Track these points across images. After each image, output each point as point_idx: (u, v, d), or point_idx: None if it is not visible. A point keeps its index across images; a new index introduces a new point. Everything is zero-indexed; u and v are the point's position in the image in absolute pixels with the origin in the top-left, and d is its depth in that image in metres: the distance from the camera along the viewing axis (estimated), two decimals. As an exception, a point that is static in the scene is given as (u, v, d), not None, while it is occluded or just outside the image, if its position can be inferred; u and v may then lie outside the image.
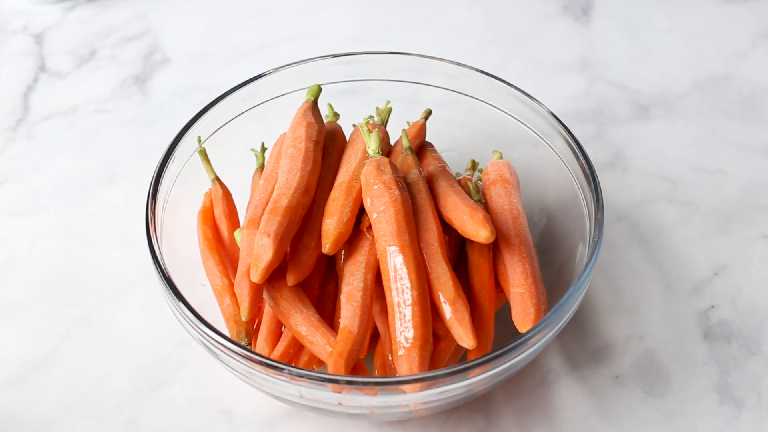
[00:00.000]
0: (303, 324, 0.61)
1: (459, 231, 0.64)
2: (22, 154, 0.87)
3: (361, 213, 0.66)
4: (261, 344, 0.64)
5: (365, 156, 0.68)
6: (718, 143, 0.87)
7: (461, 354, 0.63)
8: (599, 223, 0.64)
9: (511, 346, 0.57)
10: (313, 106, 0.70)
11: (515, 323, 0.62)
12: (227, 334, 0.64)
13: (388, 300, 0.61)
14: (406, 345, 0.58)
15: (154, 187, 0.66)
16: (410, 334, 0.58)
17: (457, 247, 0.67)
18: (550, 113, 0.70)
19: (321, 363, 0.62)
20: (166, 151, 0.68)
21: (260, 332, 0.64)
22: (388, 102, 0.74)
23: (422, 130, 0.74)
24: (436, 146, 0.74)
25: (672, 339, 0.71)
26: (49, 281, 0.75)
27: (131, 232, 0.76)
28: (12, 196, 0.83)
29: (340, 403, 0.58)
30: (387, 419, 0.65)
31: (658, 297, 0.74)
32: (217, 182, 0.71)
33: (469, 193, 0.70)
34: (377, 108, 0.74)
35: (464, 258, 0.67)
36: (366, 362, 0.63)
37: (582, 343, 0.71)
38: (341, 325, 0.60)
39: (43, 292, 0.74)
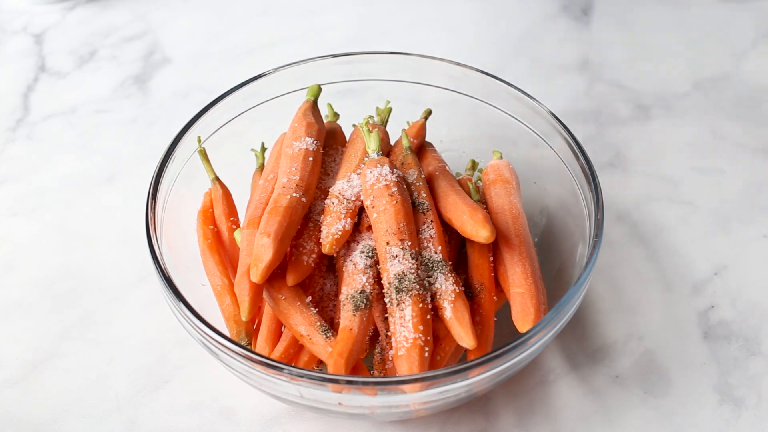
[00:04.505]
0: (303, 324, 0.61)
1: (459, 231, 0.64)
2: (22, 154, 0.87)
3: (360, 213, 0.66)
4: (261, 344, 0.64)
5: (365, 156, 0.68)
6: (718, 143, 0.87)
7: (461, 354, 0.63)
8: (599, 223, 0.64)
9: (511, 346, 0.57)
10: (313, 106, 0.70)
11: (515, 323, 0.62)
12: (227, 334, 0.64)
13: (388, 300, 0.61)
14: (406, 345, 0.58)
15: (154, 187, 0.66)
16: (410, 334, 0.58)
17: (457, 247, 0.67)
18: (550, 113, 0.70)
19: (321, 363, 0.62)
20: (166, 151, 0.68)
21: (260, 332, 0.64)
22: (388, 102, 0.73)
23: (422, 129, 0.74)
24: (436, 146, 0.74)
25: (672, 339, 0.71)
26: (49, 281, 0.75)
27: (131, 232, 0.76)
28: (12, 196, 0.83)
29: (340, 403, 0.58)
30: (387, 419, 0.65)
31: (658, 297, 0.74)
32: (217, 182, 0.71)
33: (469, 193, 0.70)
34: (377, 108, 0.74)
35: (464, 258, 0.67)
36: (366, 362, 0.63)
37: (582, 343, 0.71)
38: (341, 325, 0.60)
39: (43, 292, 0.74)
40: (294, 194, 0.64)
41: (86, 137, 0.89)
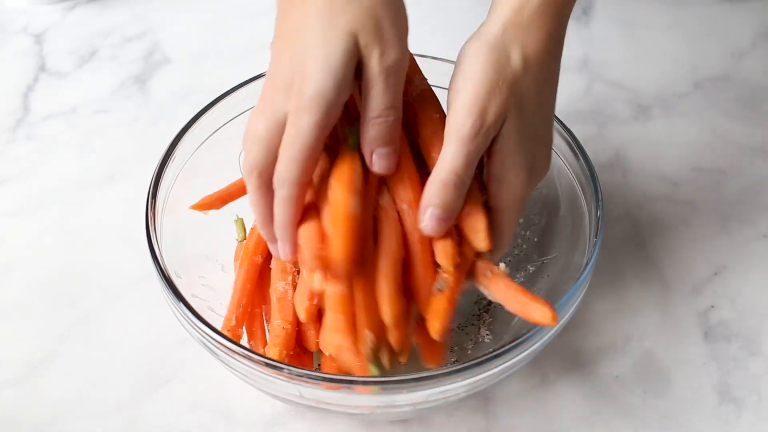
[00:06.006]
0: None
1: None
2: (22, 154, 0.87)
3: None
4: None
5: None
6: (718, 143, 0.87)
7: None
8: (599, 223, 0.64)
9: (510, 346, 0.57)
10: None
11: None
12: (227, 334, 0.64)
13: None
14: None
15: (154, 187, 0.66)
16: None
17: None
18: (550, 113, 0.70)
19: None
20: (166, 151, 0.68)
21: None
22: None
23: None
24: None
25: (672, 339, 0.71)
26: (49, 281, 0.75)
27: (131, 232, 0.76)
28: (12, 196, 0.83)
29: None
30: (387, 419, 0.65)
31: (658, 297, 0.74)
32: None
33: None
34: None
35: None
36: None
37: (582, 343, 0.71)
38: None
39: (43, 292, 0.75)
40: None
41: (86, 137, 0.89)
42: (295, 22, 0.57)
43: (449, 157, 0.56)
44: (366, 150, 0.57)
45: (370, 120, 0.56)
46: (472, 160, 0.57)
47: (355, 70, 0.56)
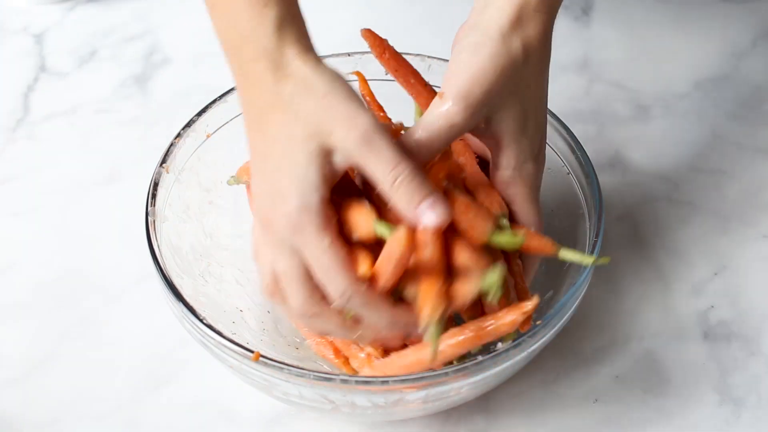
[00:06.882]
0: None
1: None
2: (22, 154, 0.87)
3: None
4: None
5: None
6: (718, 143, 0.87)
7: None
8: (599, 223, 0.64)
9: (510, 346, 0.57)
10: None
11: None
12: (227, 334, 0.64)
13: None
14: None
15: (154, 187, 0.66)
16: None
17: None
18: (550, 113, 0.70)
19: None
20: (166, 151, 0.68)
21: None
22: None
23: None
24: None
25: (672, 339, 0.71)
26: (49, 281, 0.75)
27: (131, 232, 0.76)
28: (12, 196, 0.83)
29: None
30: (387, 419, 0.65)
31: (658, 297, 0.74)
32: None
33: None
34: None
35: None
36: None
37: (582, 343, 0.71)
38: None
39: (43, 292, 0.75)
40: None
41: (86, 137, 0.88)
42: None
43: (421, 129, 0.57)
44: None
45: (386, 189, 0.53)
46: (445, 135, 0.57)
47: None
